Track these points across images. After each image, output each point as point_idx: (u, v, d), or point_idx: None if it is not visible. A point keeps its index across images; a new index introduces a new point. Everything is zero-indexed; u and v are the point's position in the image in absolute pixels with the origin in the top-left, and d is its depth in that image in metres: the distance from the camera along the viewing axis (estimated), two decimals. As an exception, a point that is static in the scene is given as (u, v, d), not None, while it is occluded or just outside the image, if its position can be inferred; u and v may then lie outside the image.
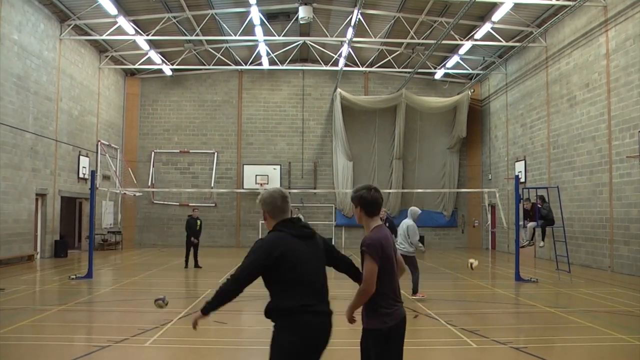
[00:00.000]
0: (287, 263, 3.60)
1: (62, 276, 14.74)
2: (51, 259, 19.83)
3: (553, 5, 18.88)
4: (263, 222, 4.00)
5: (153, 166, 27.90)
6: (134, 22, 21.18)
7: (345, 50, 23.22)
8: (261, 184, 26.79)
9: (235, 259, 19.10)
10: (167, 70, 26.52)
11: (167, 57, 25.86)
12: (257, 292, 11.69)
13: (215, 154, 28.04)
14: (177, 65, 25.99)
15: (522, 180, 21.72)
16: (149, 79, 28.24)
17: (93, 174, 14.94)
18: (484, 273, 17.67)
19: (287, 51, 25.46)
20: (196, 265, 17.04)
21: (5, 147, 17.16)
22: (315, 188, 27.46)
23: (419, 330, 8.68)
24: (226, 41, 24.62)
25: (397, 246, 10.10)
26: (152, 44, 23.91)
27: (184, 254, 17.32)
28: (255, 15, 20.13)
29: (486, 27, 20.23)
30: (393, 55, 25.34)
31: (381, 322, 3.84)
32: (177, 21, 21.70)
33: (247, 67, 26.27)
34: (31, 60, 18.75)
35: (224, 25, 22.65)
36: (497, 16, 19.14)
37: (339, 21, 22.59)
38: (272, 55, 25.55)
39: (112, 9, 18.80)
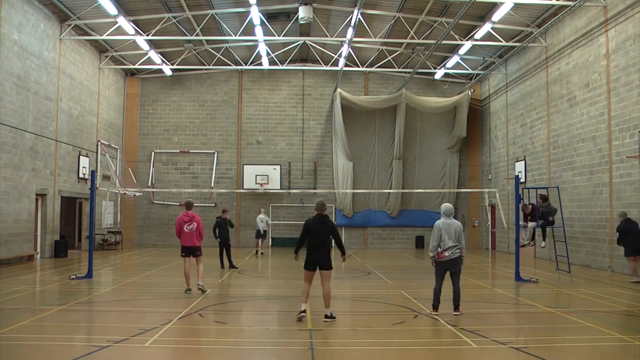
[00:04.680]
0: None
1: (62, 276, 14.75)
2: (51, 259, 19.83)
3: (553, 5, 18.87)
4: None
5: (153, 166, 27.91)
6: (134, 22, 21.18)
7: (345, 50, 23.22)
8: (261, 184, 26.80)
9: (236, 259, 19.11)
10: (167, 70, 26.52)
11: (167, 57, 25.86)
12: (257, 292, 11.63)
13: (215, 154, 28.05)
14: (177, 65, 25.99)
15: (522, 180, 21.72)
16: (149, 79, 28.24)
17: (93, 174, 14.94)
18: (484, 273, 17.67)
19: (287, 51, 25.47)
20: (232, 266, 17.39)
21: (5, 147, 17.15)
22: (315, 188, 27.46)
23: (419, 330, 8.68)
24: (226, 41, 24.62)
25: (452, 250, 9.14)
26: (152, 44, 23.92)
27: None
28: (255, 15, 20.13)
29: (486, 27, 20.23)
30: (393, 55, 25.34)
31: None
32: (177, 21, 21.70)
33: (247, 67, 26.27)
34: (31, 60, 18.75)
35: (224, 25, 22.66)
36: (497, 16, 19.14)
37: (339, 21, 22.59)
38: (272, 55, 25.55)
39: (112, 9, 18.80)
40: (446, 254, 9.21)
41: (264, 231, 22.24)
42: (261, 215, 22.34)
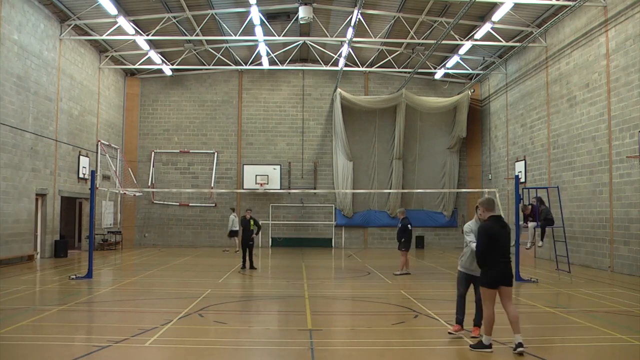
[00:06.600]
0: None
1: (62, 276, 14.74)
2: (51, 259, 19.83)
3: (553, 5, 18.87)
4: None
5: (153, 166, 27.91)
6: (134, 22, 21.18)
7: (345, 50, 23.22)
8: (261, 184, 26.80)
9: (236, 259, 19.12)
10: (167, 70, 26.52)
11: (167, 57, 25.86)
12: (257, 292, 11.66)
13: (215, 154, 28.04)
14: (177, 65, 25.99)
15: (522, 180, 21.73)
16: (149, 79, 28.24)
17: (93, 174, 14.94)
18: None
19: (287, 51, 25.47)
20: (252, 267, 16.87)
21: (5, 147, 17.15)
22: (315, 188, 27.46)
23: (419, 330, 8.69)
24: (226, 41, 24.62)
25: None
26: (152, 44, 23.91)
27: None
28: (255, 15, 20.13)
29: (486, 27, 20.22)
30: (393, 55, 25.34)
31: None
32: (177, 21, 21.70)
33: (247, 67, 26.27)
34: (31, 60, 18.75)
35: (224, 25, 22.65)
36: (497, 16, 19.14)
37: (339, 21, 22.59)
38: (272, 55, 25.55)
39: (112, 9, 18.79)
40: None
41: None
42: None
